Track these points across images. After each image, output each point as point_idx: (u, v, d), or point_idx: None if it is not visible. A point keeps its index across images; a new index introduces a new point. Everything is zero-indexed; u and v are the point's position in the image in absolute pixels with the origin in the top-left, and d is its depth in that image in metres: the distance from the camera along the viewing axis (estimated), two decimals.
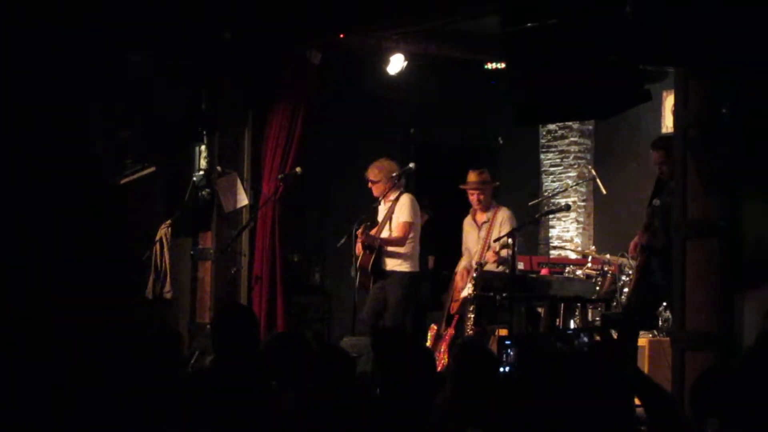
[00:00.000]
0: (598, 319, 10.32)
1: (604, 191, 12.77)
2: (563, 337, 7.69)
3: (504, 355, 6.21)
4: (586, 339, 7.05)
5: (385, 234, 10.09)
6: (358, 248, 10.05)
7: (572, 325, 10.10)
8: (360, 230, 10.00)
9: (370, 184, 10.13)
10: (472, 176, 10.33)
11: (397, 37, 10.56)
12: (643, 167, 11.67)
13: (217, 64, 10.36)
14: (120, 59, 9.91)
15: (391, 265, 10.02)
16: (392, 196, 10.11)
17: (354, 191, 10.20)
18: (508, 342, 6.38)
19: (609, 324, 9.32)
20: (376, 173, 10.10)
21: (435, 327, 10.26)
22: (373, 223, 10.22)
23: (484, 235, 10.20)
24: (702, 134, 7.40)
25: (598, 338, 7.69)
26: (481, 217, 10.31)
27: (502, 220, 10.12)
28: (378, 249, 9.99)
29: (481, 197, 10.26)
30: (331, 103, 11.80)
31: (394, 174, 10.15)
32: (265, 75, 10.71)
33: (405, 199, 10.14)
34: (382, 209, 10.19)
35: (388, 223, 10.10)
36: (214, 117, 10.41)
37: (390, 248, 10.03)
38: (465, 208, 10.56)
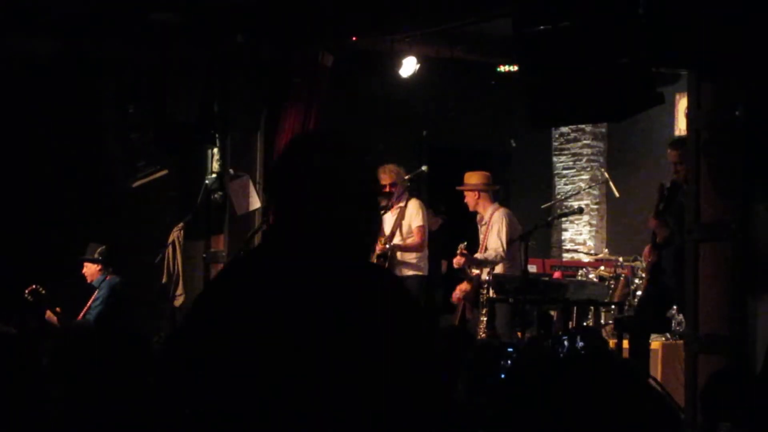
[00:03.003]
0: (611, 322, 10.30)
1: (616, 194, 12.75)
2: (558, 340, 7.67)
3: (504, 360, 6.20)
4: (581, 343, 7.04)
5: (397, 241, 10.08)
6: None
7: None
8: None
9: (387, 189, 10.06)
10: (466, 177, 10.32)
11: (409, 39, 10.54)
12: (656, 169, 11.64)
13: (230, 67, 10.36)
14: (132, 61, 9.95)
15: (406, 271, 10.02)
16: (401, 203, 10.11)
17: None
18: (510, 349, 6.37)
19: (622, 328, 9.29)
20: (392, 176, 10.07)
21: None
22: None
23: (481, 237, 10.20)
24: (715, 137, 7.38)
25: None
26: (479, 217, 10.31)
27: (493, 221, 10.08)
28: (390, 257, 9.98)
29: (468, 200, 10.23)
30: (343, 105, 11.80)
31: (406, 177, 10.15)
32: (277, 78, 10.71)
33: (415, 204, 10.14)
34: (390, 217, 10.14)
35: (398, 229, 10.07)
36: (227, 120, 10.41)
37: (406, 255, 10.04)
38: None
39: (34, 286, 9.72)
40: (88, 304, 10.15)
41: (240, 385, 2.53)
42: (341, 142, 2.75)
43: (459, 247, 10.01)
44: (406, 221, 10.13)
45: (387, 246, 9.99)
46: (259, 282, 2.62)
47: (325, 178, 2.67)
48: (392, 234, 10.10)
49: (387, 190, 10.09)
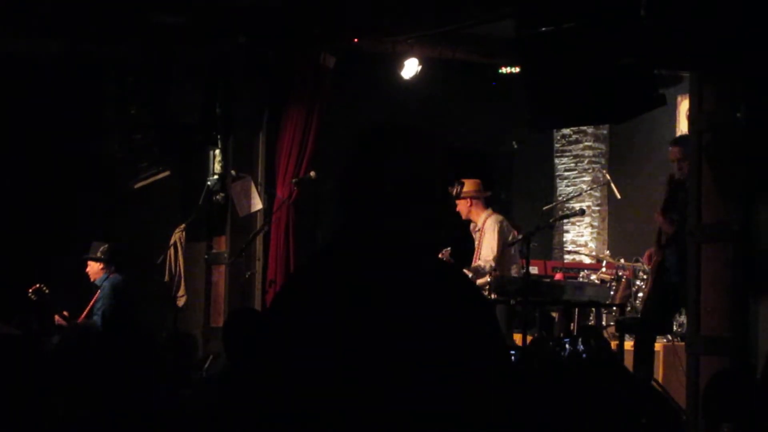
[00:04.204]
0: (612, 324, 10.31)
1: (618, 196, 12.74)
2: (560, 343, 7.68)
3: None
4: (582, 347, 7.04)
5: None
6: None
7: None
8: None
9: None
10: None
11: (411, 41, 10.55)
12: (658, 170, 11.65)
13: (232, 68, 10.37)
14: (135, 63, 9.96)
15: None
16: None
17: None
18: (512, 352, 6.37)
19: (624, 329, 9.29)
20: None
21: None
22: None
23: (476, 245, 10.18)
24: (716, 138, 7.39)
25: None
26: (473, 225, 10.27)
27: (486, 229, 10.06)
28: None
29: (460, 208, 10.16)
30: (345, 107, 11.80)
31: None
32: (279, 79, 10.71)
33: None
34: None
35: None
36: (229, 121, 10.41)
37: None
38: None
39: (37, 285, 9.74)
40: (90, 304, 10.18)
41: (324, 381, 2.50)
42: (415, 135, 2.67)
43: (443, 253, 9.96)
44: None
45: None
46: (334, 285, 2.57)
47: (398, 174, 2.59)
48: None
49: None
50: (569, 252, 13.69)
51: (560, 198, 13.53)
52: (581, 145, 13.88)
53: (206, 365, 9.68)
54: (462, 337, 2.52)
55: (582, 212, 10.90)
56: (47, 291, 9.76)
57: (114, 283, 10.20)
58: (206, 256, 10.73)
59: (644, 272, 10.52)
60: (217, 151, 10.53)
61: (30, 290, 9.72)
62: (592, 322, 10.15)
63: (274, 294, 2.62)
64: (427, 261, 2.64)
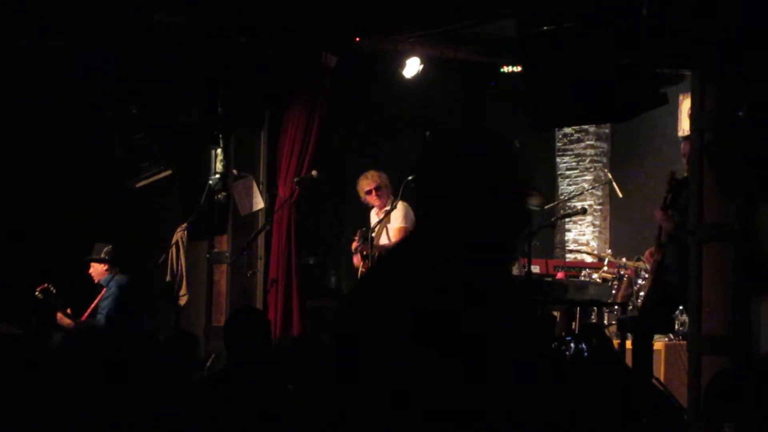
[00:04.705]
0: (614, 323, 10.30)
1: (620, 194, 12.73)
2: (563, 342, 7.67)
3: None
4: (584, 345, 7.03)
5: (383, 242, 10.06)
6: (357, 259, 10.13)
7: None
8: (356, 241, 10.08)
9: (373, 195, 10.14)
10: None
11: (412, 40, 10.54)
12: (659, 169, 11.64)
13: (233, 68, 10.37)
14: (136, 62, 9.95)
15: None
16: (387, 206, 10.10)
17: None
18: None
19: (625, 328, 9.28)
20: (374, 181, 10.11)
21: None
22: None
23: None
24: (718, 137, 7.38)
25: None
26: None
27: None
28: (376, 259, 9.97)
29: None
30: (347, 106, 11.79)
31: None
32: (281, 78, 10.71)
33: (401, 206, 10.08)
34: (376, 219, 10.18)
35: (384, 231, 10.08)
36: (230, 120, 10.42)
37: None
38: None
39: (45, 285, 9.76)
40: (94, 303, 10.18)
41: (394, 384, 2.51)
42: (496, 145, 2.65)
43: None
44: (391, 225, 10.09)
45: (368, 247, 9.97)
46: (407, 289, 2.55)
47: (478, 181, 2.58)
48: (378, 237, 10.09)
49: (373, 195, 10.14)
50: (571, 251, 13.67)
51: (562, 197, 13.52)
52: (583, 144, 13.88)
53: (208, 364, 9.68)
54: (526, 342, 2.51)
55: (584, 211, 10.90)
56: (54, 291, 9.77)
57: (121, 283, 10.20)
58: (208, 255, 10.74)
59: (646, 271, 10.52)
60: (219, 151, 10.53)
61: (38, 290, 9.74)
62: (594, 322, 10.15)
63: (343, 298, 2.59)
64: (501, 269, 2.63)
